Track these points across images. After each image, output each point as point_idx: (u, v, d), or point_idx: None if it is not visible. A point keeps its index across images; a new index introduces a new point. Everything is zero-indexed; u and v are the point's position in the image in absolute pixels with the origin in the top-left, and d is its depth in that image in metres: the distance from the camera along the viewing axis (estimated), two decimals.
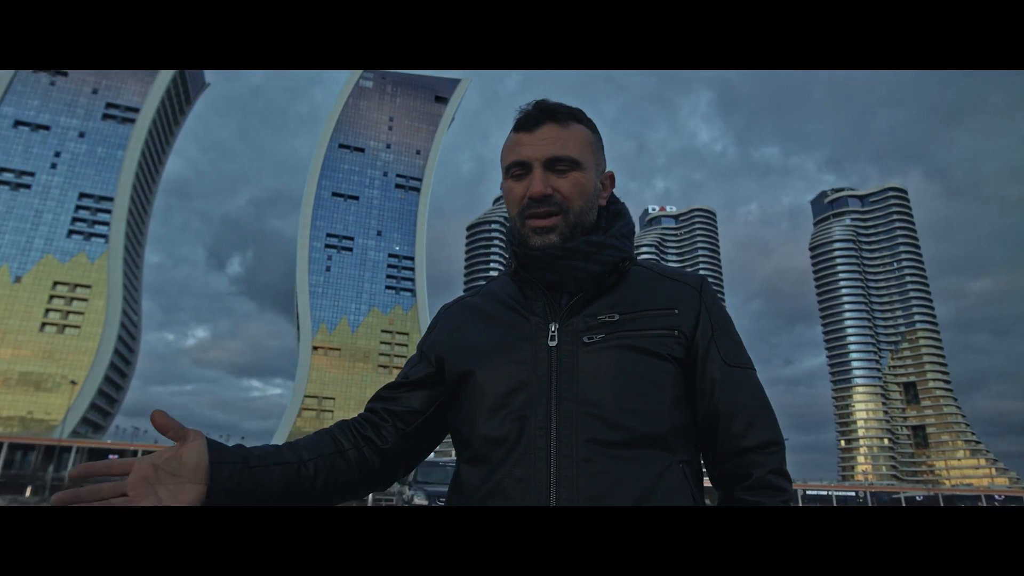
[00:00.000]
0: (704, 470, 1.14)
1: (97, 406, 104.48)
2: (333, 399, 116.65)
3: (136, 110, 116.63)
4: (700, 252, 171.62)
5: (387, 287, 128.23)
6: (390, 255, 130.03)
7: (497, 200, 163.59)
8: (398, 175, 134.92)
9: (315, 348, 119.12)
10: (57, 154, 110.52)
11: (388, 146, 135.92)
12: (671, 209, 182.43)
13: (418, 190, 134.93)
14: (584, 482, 0.98)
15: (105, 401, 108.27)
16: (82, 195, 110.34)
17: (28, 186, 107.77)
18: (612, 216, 1.20)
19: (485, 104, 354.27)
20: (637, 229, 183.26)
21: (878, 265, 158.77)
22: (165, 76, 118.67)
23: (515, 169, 1.14)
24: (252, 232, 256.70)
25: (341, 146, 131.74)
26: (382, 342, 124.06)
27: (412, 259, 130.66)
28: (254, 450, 1.04)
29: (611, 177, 1.23)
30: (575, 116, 1.17)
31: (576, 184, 1.12)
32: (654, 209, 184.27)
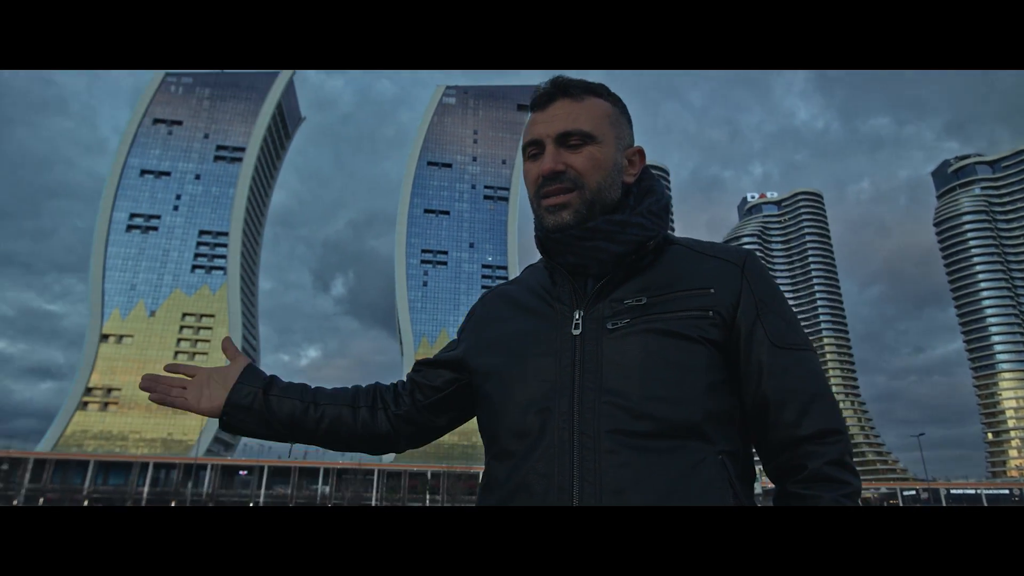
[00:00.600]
0: (759, 462, 1.07)
1: None
2: None
3: (242, 149, 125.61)
4: (808, 238, 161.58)
5: None
6: (483, 266, 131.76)
7: None
8: (486, 186, 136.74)
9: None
10: (178, 196, 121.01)
11: (474, 159, 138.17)
12: (772, 195, 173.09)
13: (506, 199, 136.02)
14: (607, 475, 0.94)
15: None
16: (201, 232, 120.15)
17: (156, 228, 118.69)
18: (641, 193, 1.13)
19: None
20: (736, 219, 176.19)
21: (1018, 236, 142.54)
22: (265, 115, 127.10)
23: (530, 149, 1.10)
24: (352, 253, 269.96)
25: (429, 163, 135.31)
26: None
27: (505, 268, 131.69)
28: (280, 382, 1.21)
29: (640, 152, 1.15)
30: (592, 90, 1.11)
31: (591, 158, 1.06)
32: (753, 197, 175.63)
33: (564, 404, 1.00)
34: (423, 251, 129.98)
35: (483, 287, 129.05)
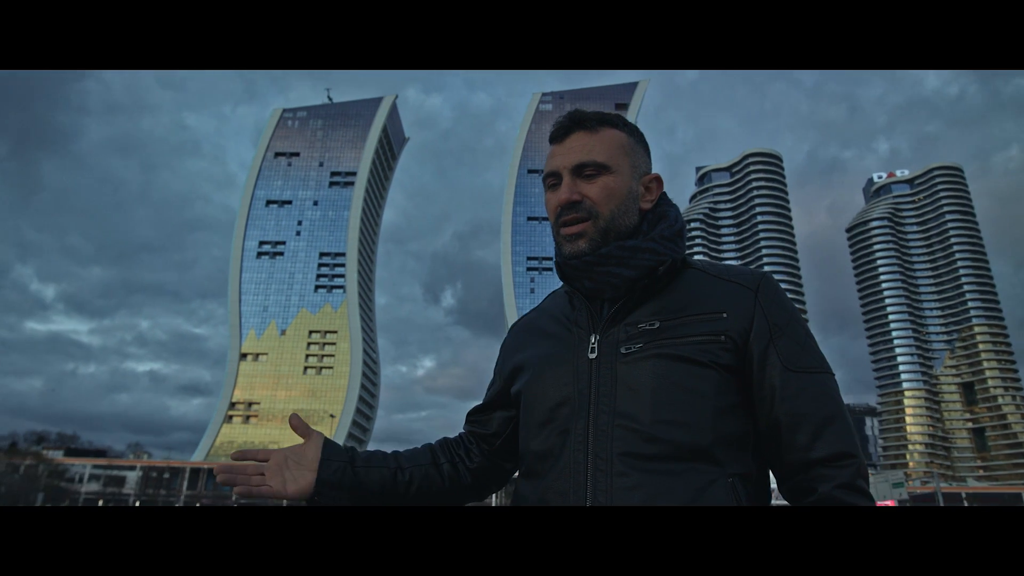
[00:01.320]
0: (777, 486, 1.08)
1: (353, 435, 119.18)
2: None
3: (353, 174, 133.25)
4: (948, 218, 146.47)
5: None
6: None
7: (694, 197, 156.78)
8: None
9: None
10: (299, 222, 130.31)
11: None
12: (902, 173, 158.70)
13: None
14: (618, 496, 0.96)
15: (359, 430, 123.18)
16: (321, 254, 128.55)
17: (281, 253, 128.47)
18: (655, 219, 1.15)
19: (665, 100, 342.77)
20: (863, 203, 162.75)
21: None
22: (372, 139, 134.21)
23: (550, 180, 1.15)
24: (459, 264, 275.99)
25: (530, 171, 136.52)
26: None
27: None
28: (361, 453, 1.19)
29: (656, 179, 1.19)
30: (607, 121, 1.15)
31: (604, 188, 1.10)
32: (880, 177, 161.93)
33: (580, 426, 1.03)
34: (528, 258, 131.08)
35: None
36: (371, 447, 1.27)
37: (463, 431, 1.33)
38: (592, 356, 1.07)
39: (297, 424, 1.18)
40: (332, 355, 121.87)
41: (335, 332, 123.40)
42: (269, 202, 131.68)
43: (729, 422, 1.00)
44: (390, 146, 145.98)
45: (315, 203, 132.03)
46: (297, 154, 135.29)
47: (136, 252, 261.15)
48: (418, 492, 1.20)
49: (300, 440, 1.17)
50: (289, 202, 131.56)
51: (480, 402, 1.33)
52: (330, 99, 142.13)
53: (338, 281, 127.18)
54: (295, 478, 1.11)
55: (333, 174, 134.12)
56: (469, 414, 1.33)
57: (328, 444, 1.16)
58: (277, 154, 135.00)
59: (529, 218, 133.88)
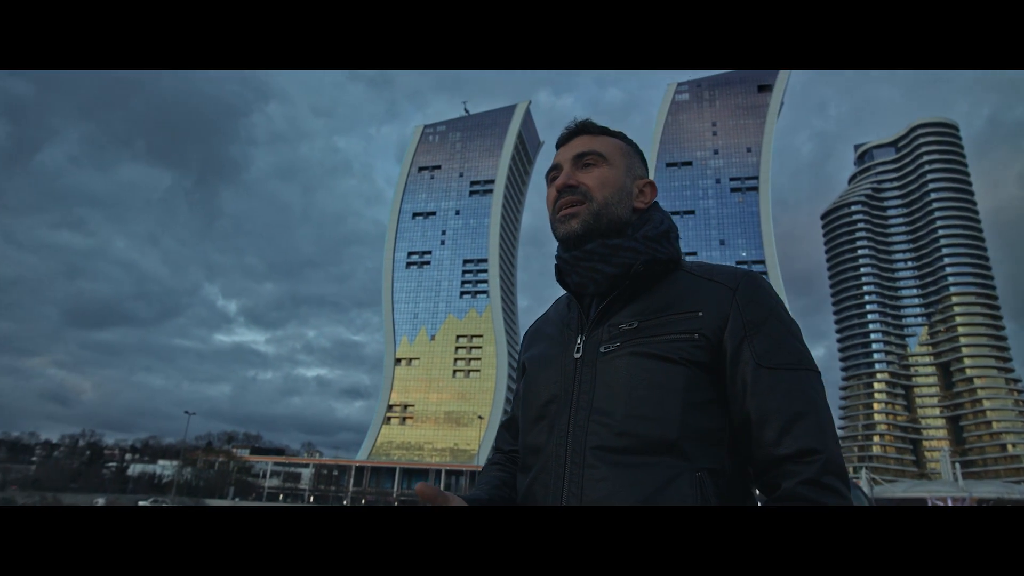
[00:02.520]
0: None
1: None
2: None
3: (492, 181, 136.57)
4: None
5: None
6: (738, 262, 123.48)
7: (853, 178, 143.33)
8: (731, 179, 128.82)
9: None
10: (443, 232, 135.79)
11: (715, 152, 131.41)
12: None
13: (756, 189, 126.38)
14: (588, 488, 1.00)
15: None
16: (465, 261, 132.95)
17: (428, 262, 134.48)
18: (642, 221, 1.20)
19: (814, 73, 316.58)
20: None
21: None
22: (508, 147, 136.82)
23: (552, 174, 1.24)
24: None
25: (668, 165, 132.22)
26: None
27: (763, 262, 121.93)
28: (484, 495, 1.20)
29: (651, 185, 1.25)
30: (608, 132, 1.25)
31: (600, 176, 1.18)
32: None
33: (563, 422, 1.08)
34: None
35: None
36: None
37: (501, 455, 1.35)
38: (577, 355, 1.12)
39: (429, 494, 1.10)
40: (479, 358, 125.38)
41: (480, 336, 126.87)
42: (415, 214, 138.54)
43: (700, 417, 1.02)
44: (525, 151, 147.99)
45: (457, 212, 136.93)
46: (439, 167, 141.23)
47: (301, 268, 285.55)
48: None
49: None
50: (433, 213, 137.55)
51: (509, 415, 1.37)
52: (467, 111, 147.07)
53: (481, 287, 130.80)
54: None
55: (473, 183, 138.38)
56: (498, 431, 1.39)
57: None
58: (420, 168, 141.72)
59: (670, 213, 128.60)
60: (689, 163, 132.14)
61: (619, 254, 1.13)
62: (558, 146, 1.26)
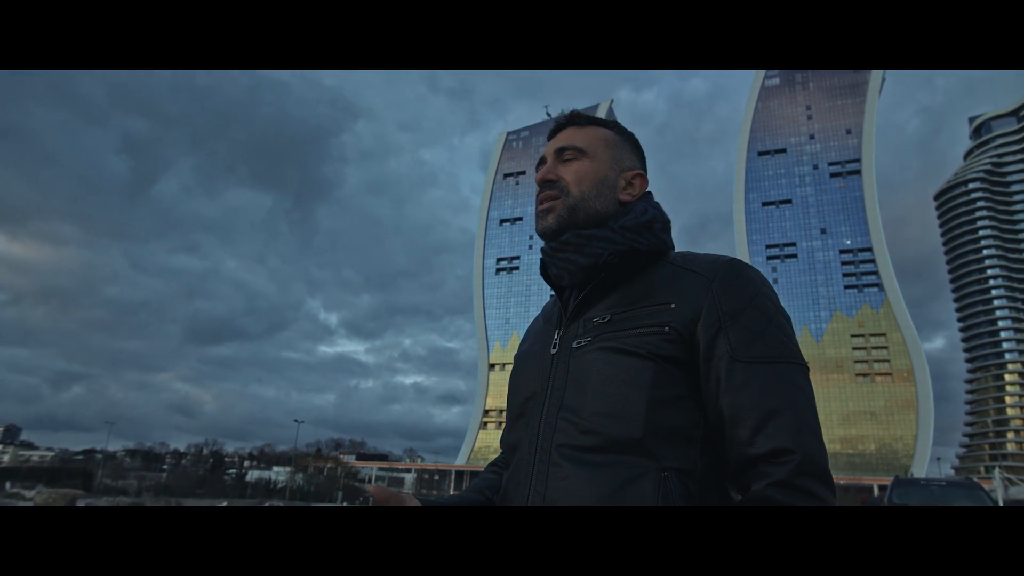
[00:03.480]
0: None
1: None
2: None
3: None
4: None
5: (846, 287, 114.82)
6: (841, 251, 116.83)
7: (969, 153, 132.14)
8: (830, 163, 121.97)
9: None
10: (531, 237, 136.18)
11: (811, 137, 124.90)
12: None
13: (858, 172, 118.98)
14: (551, 487, 0.98)
15: None
16: None
17: (517, 268, 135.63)
18: (624, 212, 1.16)
19: None
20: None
21: None
22: None
23: (539, 167, 1.21)
24: None
25: (760, 154, 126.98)
26: (854, 348, 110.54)
27: (869, 250, 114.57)
28: (457, 499, 1.19)
29: (640, 176, 1.21)
30: (597, 122, 1.22)
31: (578, 170, 1.15)
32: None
33: (536, 420, 1.06)
34: (767, 247, 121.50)
35: (845, 275, 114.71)
36: None
37: (501, 456, 1.30)
38: (553, 351, 1.10)
39: (381, 496, 1.08)
40: None
41: None
42: (502, 220, 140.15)
43: (668, 415, 0.97)
44: None
45: None
46: (523, 172, 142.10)
47: (394, 278, 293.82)
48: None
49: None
50: (520, 219, 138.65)
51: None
52: (548, 114, 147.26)
53: None
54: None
55: None
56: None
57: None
58: (506, 175, 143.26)
59: (764, 204, 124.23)
60: (783, 150, 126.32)
61: (592, 244, 1.10)
62: (548, 138, 1.25)
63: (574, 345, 1.07)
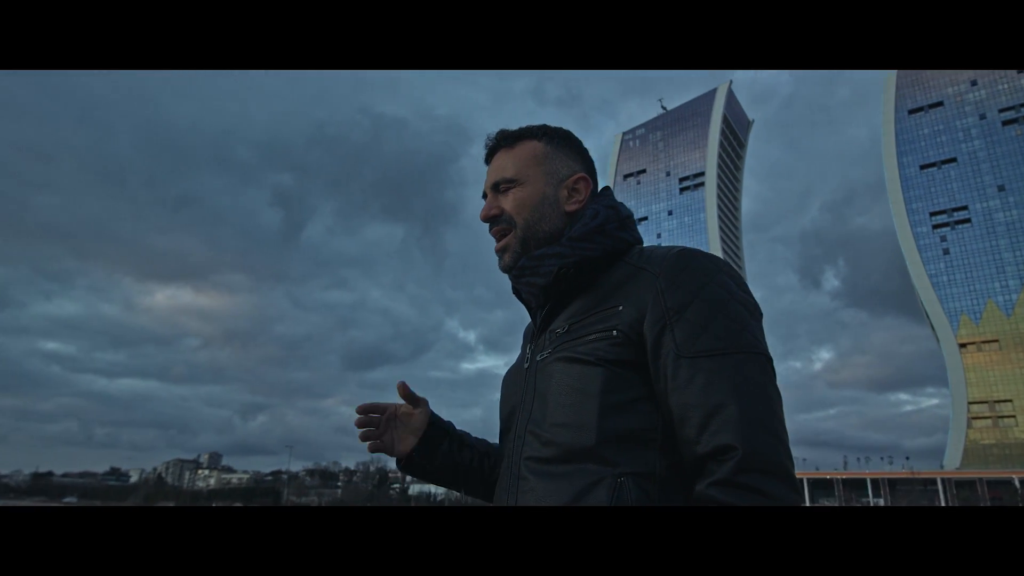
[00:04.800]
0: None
1: None
2: (1009, 401, 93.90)
3: (701, 174, 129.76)
4: None
5: None
6: None
7: None
8: (1001, 110, 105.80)
9: (962, 346, 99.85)
10: (658, 236, 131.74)
11: (973, 83, 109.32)
12: None
13: None
14: (520, 499, 1.00)
15: None
16: None
17: None
18: (573, 222, 1.16)
19: None
20: None
21: None
22: (714, 133, 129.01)
23: (484, 199, 1.24)
24: (835, 239, 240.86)
25: (911, 112, 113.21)
26: None
27: None
28: (456, 431, 1.34)
29: (583, 179, 1.19)
30: (526, 135, 1.20)
31: (516, 199, 1.16)
32: None
33: (513, 435, 1.10)
34: (932, 214, 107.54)
35: None
36: None
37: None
38: (526, 366, 1.14)
39: (406, 392, 1.27)
40: None
41: None
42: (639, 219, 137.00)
43: (620, 420, 0.96)
44: (734, 134, 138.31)
45: (669, 213, 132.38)
46: (643, 171, 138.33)
47: None
48: (490, 485, 1.28)
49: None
50: (645, 218, 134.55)
51: None
52: (664, 108, 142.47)
53: None
54: (400, 437, 1.28)
55: (681, 180, 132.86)
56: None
57: (434, 415, 1.31)
58: (625, 176, 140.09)
59: (923, 167, 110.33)
60: (939, 103, 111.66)
61: (545, 263, 1.10)
62: (485, 162, 1.24)
63: (538, 358, 1.09)
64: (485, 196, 1.22)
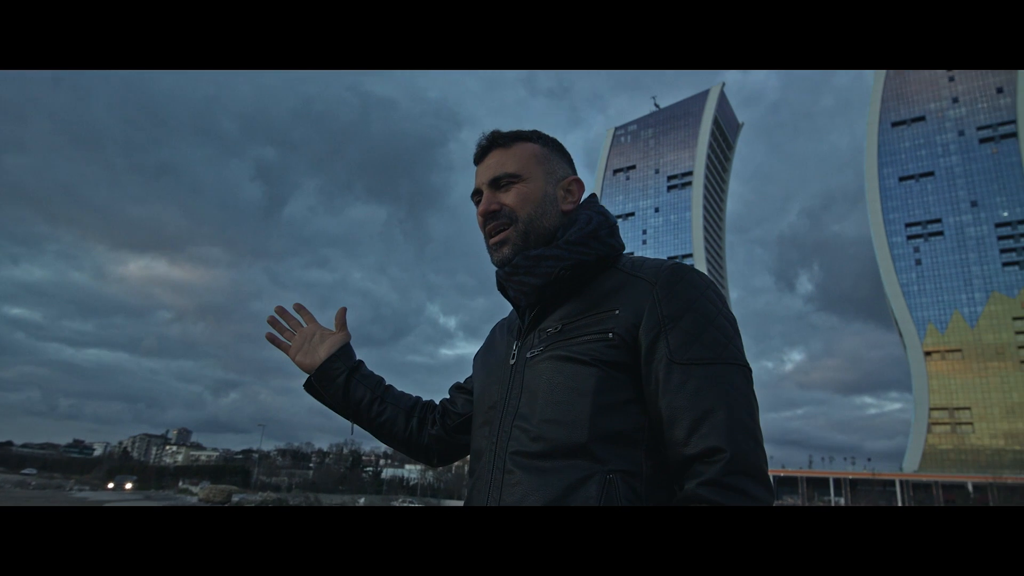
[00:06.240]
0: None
1: None
2: (968, 409, 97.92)
3: (690, 173, 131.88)
4: None
5: (1004, 264, 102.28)
6: (997, 225, 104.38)
7: None
8: (979, 128, 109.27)
9: (927, 353, 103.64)
10: (644, 232, 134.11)
11: (954, 100, 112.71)
12: None
13: (1014, 135, 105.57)
14: (505, 493, 1.03)
15: None
16: (669, 258, 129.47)
17: None
18: (568, 224, 1.19)
19: None
20: None
21: None
22: (704, 134, 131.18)
23: (475, 198, 1.25)
24: (811, 244, 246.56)
25: (894, 124, 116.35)
26: (1017, 332, 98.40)
27: None
28: (364, 368, 1.45)
29: (577, 182, 1.25)
30: (520, 137, 1.24)
31: (519, 194, 1.19)
32: None
33: (494, 428, 1.12)
34: (907, 224, 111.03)
35: (1002, 251, 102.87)
36: None
37: (445, 398, 1.47)
38: (512, 362, 1.16)
39: (340, 316, 1.45)
40: None
41: None
42: (618, 216, 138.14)
43: (612, 419, 1.01)
44: (724, 136, 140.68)
45: (656, 210, 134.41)
46: (633, 167, 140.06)
47: None
48: (380, 427, 1.41)
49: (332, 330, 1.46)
50: (632, 214, 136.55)
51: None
52: (657, 106, 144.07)
53: None
54: (310, 353, 1.42)
55: (670, 178, 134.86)
56: (451, 387, 1.47)
57: (347, 345, 1.44)
58: (615, 171, 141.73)
59: (902, 178, 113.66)
60: (921, 118, 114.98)
61: (542, 265, 1.13)
62: (475, 162, 1.27)
63: (528, 355, 1.12)
64: (477, 194, 1.24)
